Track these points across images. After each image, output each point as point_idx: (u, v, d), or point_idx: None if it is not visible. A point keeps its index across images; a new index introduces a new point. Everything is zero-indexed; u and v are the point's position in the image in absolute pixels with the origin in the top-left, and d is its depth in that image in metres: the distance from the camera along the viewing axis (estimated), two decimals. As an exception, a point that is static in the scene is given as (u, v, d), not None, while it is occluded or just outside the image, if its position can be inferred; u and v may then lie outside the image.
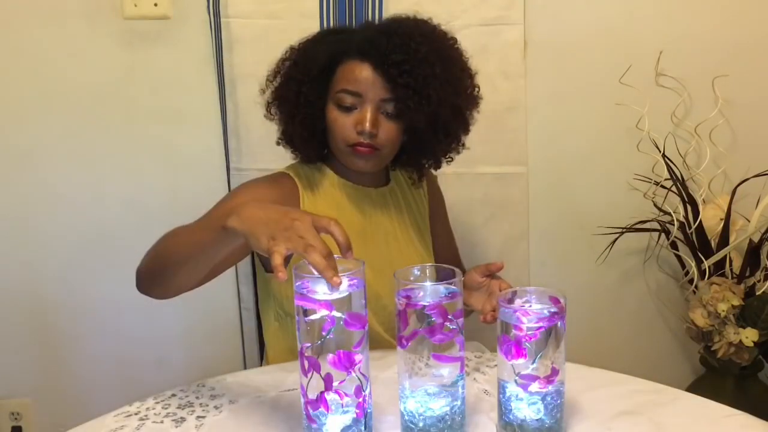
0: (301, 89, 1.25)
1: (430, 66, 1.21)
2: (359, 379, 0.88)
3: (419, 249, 1.39)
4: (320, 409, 0.88)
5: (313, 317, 0.86)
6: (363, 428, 0.90)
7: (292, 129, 1.28)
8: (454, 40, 1.30)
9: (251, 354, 1.87)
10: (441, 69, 1.22)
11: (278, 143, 1.35)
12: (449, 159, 1.37)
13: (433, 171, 1.44)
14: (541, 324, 0.88)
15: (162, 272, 1.08)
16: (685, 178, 1.82)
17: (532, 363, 0.88)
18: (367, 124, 1.21)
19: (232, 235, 0.94)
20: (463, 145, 1.35)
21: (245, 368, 1.84)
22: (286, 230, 0.88)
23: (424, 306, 0.88)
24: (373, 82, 1.21)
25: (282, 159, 1.79)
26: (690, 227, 1.76)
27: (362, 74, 1.22)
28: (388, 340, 1.27)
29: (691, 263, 1.78)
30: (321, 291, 0.86)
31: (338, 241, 0.90)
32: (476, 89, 1.32)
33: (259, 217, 0.91)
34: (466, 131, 1.34)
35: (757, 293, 1.70)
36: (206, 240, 1.00)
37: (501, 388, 0.92)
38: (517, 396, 0.90)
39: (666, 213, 1.81)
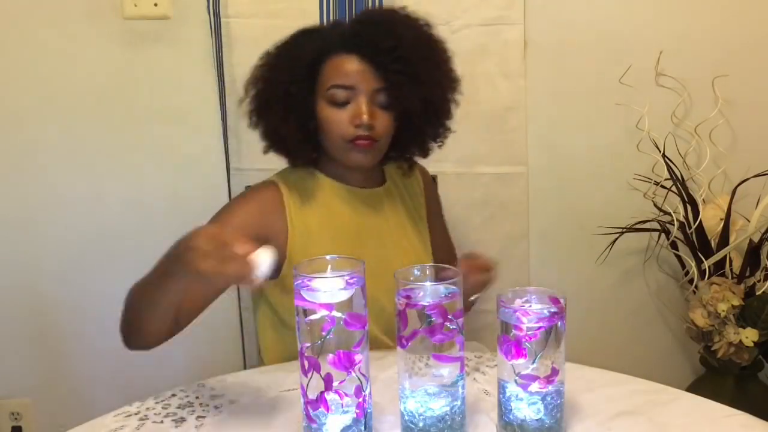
0: (290, 90, 1.23)
1: (418, 50, 1.22)
2: (359, 379, 0.88)
3: (417, 248, 1.38)
4: (320, 409, 0.88)
5: (313, 317, 0.86)
6: (363, 428, 0.90)
7: (286, 132, 1.26)
8: (429, 23, 1.29)
9: (251, 354, 1.87)
10: (429, 52, 1.24)
11: (266, 152, 1.32)
12: (440, 143, 1.36)
13: (422, 163, 1.43)
14: (541, 324, 0.88)
15: (135, 325, 1.08)
16: (685, 178, 1.82)
17: (532, 363, 0.88)
18: (365, 116, 1.20)
19: (186, 278, 0.95)
20: (449, 128, 1.34)
21: (245, 368, 1.84)
22: (193, 259, 0.89)
23: (424, 306, 0.88)
24: (363, 73, 1.20)
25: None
26: (690, 227, 1.76)
27: (352, 67, 1.21)
28: (386, 343, 1.26)
29: (691, 263, 1.78)
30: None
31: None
32: (455, 71, 1.31)
33: (187, 261, 0.90)
34: (451, 114, 1.33)
35: (757, 293, 1.70)
36: (162, 285, 1.00)
37: (501, 388, 0.92)
38: (517, 396, 0.90)
39: (666, 213, 1.81)
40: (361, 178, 1.32)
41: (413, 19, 1.27)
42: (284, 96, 1.24)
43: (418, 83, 1.21)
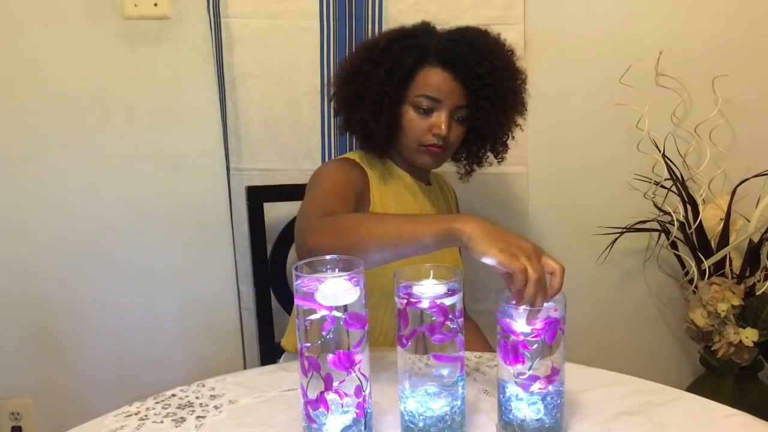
0: (385, 89, 1.31)
1: (506, 81, 1.32)
2: (359, 379, 0.88)
3: (454, 248, 1.44)
4: (320, 409, 0.88)
5: (313, 317, 0.86)
6: (363, 428, 0.90)
7: (375, 127, 1.33)
8: (513, 53, 1.38)
9: (251, 354, 1.87)
10: (513, 83, 1.34)
11: (342, 133, 1.49)
12: (500, 159, 1.46)
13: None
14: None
15: (350, 252, 1.04)
16: (685, 178, 1.82)
17: (530, 367, 0.88)
18: (444, 129, 1.30)
19: (453, 238, 0.96)
20: (508, 146, 1.45)
21: (245, 368, 1.84)
22: (516, 248, 0.92)
23: (425, 306, 0.88)
24: (452, 91, 1.30)
25: (282, 159, 1.80)
26: (690, 227, 1.76)
27: (444, 83, 1.30)
28: None
29: (691, 263, 1.78)
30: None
31: (552, 290, 0.91)
32: (526, 97, 1.42)
33: (488, 228, 0.95)
34: (513, 135, 1.45)
35: (757, 293, 1.70)
36: (422, 234, 1.00)
37: (501, 388, 0.92)
38: (517, 396, 0.90)
39: (666, 213, 1.81)
40: (417, 173, 1.42)
41: (502, 45, 1.37)
42: (379, 95, 1.32)
43: (500, 110, 1.33)
